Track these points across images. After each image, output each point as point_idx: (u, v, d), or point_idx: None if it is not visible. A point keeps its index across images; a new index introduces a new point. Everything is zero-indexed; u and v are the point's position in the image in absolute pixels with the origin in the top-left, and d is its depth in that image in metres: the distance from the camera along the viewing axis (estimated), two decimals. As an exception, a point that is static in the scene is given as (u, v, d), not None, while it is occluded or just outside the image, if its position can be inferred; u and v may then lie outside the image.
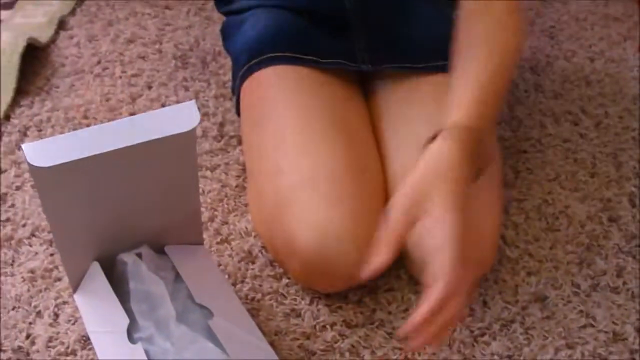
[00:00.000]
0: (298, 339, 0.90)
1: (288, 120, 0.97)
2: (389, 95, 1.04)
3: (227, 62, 1.32)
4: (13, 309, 0.93)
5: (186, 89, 1.27)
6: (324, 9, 1.04)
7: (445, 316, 0.71)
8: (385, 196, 0.96)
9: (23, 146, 0.75)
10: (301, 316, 0.93)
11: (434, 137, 0.82)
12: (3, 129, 1.18)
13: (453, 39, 0.92)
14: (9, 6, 1.46)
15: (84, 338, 0.89)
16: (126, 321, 0.82)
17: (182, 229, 0.90)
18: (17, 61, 1.27)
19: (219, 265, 0.99)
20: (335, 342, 0.90)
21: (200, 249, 0.92)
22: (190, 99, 1.25)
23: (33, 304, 0.93)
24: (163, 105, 1.23)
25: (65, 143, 0.76)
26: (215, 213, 1.05)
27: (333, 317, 0.93)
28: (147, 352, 0.81)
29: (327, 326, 0.92)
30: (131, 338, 0.82)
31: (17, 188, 1.08)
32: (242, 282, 0.97)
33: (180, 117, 0.80)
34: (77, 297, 0.90)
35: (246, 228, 1.03)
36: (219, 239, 1.02)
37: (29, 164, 0.74)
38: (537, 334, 0.92)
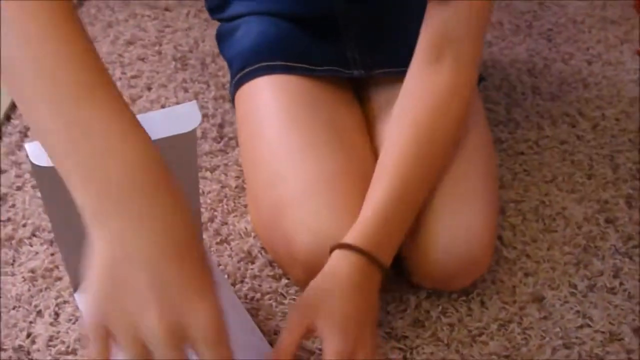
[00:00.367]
0: (297, 339, 0.91)
1: (283, 130, 0.97)
2: (383, 100, 1.04)
3: (226, 64, 1.33)
4: (14, 308, 0.93)
5: (186, 90, 1.28)
6: (314, 15, 1.05)
7: None
8: None
9: (26, 145, 0.75)
10: (300, 316, 0.94)
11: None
12: (3, 129, 1.18)
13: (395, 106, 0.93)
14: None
15: (85, 337, 0.90)
16: None
17: None
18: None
19: (219, 265, 0.99)
20: None
21: None
22: (190, 101, 1.25)
23: (34, 304, 0.94)
24: (163, 107, 1.24)
25: None
26: (215, 213, 1.06)
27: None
28: None
29: (326, 326, 0.93)
30: None
31: (18, 188, 1.08)
32: (242, 282, 0.97)
33: (182, 118, 0.80)
34: (78, 297, 0.91)
35: (246, 228, 1.04)
36: (218, 239, 1.02)
37: (31, 163, 0.74)
38: (534, 334, 0.93)
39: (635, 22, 1.51)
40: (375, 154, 1.00)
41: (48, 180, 0.76)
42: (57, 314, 0.93)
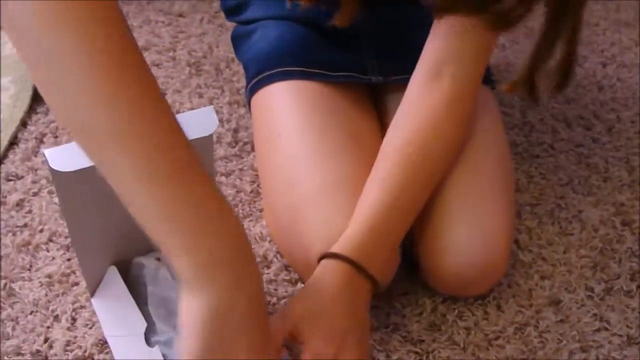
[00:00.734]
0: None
1: (299, 135, 0.97)
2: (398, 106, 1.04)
3: (241, 69, 1.33)
4: (31, 313, 0.94)
5: (200, 95, 1.28)
6: (332, 20, 1.05)
7: None
8: None
9: (45, 151, 0.76)
10: (316, 320, 0.94)
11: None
12: (20, 135, 1.19)
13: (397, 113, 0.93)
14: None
15: (101, 342, 0.90)
16: (144, 324, 0.83)
17: None
18: (33, 69, 1.28)
19: (234, 269, 0.99)
20: None
21: None
22: (205, 106, 1.26)
23: (51, 309, 0.94)
24: (177, 112, 1.24)
25: None
26: (230, 218, 1.06)
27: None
28: (164, 356, 0.81)
29: (342, 330, 0.93)
30: (149, 341, 0.83)
31: (34, 194, 1.09)
32: (258, 286, 0.97)
33: (199, 122, 0.80)
34: (95, 302, 0.91)
35: (261, 233, 1.04)
36: (234, 244, 1.02)
37: (50, 168, 0.75)
38: (551, 338, 0.92)
39: (649, 24, 1.51)
40: None
41: (66, 186, 0.77)
42: (74, 319, 0.93)
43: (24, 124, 1.21)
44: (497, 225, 0.91)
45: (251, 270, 0.66)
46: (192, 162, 0.62)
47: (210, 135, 0.80)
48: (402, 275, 0.96)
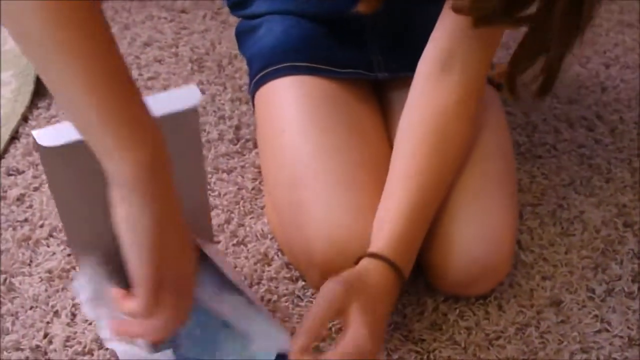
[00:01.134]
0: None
1: (304, 132, 0.96)
2: (403, 102, 1.04)
3: (243, 65, 1.33)
4: (31, 308, 0.93)
5: (202, 92, 1.28)
6: (338, 17, 1.04)
7: None
8: None
9: (33, 132, 0.76)
10: (317, 318, 0.93)
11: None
12: (21, 130, 1.19)
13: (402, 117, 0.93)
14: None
15: (101, 338, 0.90)
16: None
17: (190, 220, 0.89)
18: (35, 63, 1.27)
19: (235, 267, 0.99)
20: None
21: (212, 247, 0.92)
22: (207, 103, 1.25)
23: (50, 304, 0.94)
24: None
25: (73, 127, 0.76)
26: (232, 215, 1.06)
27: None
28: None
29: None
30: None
31: (35, 189, 1.09)
32: (259, 283, 0.97)
33: (183, 97, 0.81)
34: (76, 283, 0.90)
35: (262, 230, 1.04)
36: (235, 241, 1.02)
37: (38, 144, 0.75)
38: (552, 338, 0.92)
39: (653, 25, 1.51)
40: None
41: (54, 162, 0.77)
42: (73, 315, 0.93)
43: (25, 118, 1.21)
44: (502, 225, 0.91)
45: (165, 187, 0.67)
46: (124, 73, 0.64)
47: (196, 108, 0.80)
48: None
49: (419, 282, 0.97)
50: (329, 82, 1.01)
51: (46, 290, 0.95)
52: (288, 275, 0.98)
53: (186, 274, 0.71)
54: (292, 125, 0.97)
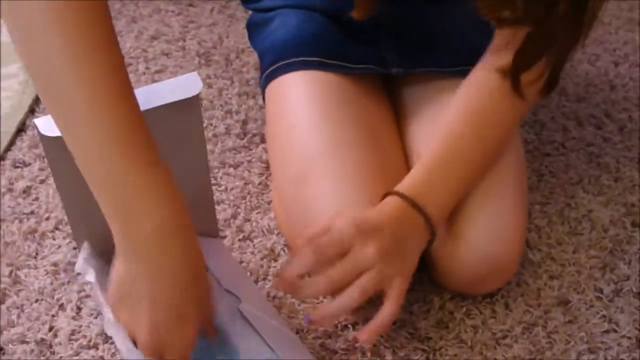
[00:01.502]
0: (320, 338, 0.90)
1: (315, 127, 0.96)
2: (415, 99, 1.03)
3: (251, 59, 1.33)
4: (36, 301, 0.93)
5: (209, 86, 1.28)
6: (347, 13, 1.04)
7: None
8: None
9: (34, 120, 0.76)
10: (323, 315, 0.93)
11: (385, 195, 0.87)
12: (28, 122, 1.19)
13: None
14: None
15: (106, 332, 0.90)
16: None
17: (194, 215, 0.88)
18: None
19: (241, 262, 0.99)
20: (357, 342, 0.90)
21: (217, 241, 0.92)
22: (214, 97, 1.25)
23: (56, 297, 0.94)
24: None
25: None
26: (238, 210, 1.06)
27: (355, 317, 0.93)
28: None
29: (349, 325, 0.92)
30: None
31: (41, 182, 1.08)
32: (265, 279, 0.97)
33: (184, 86, 0.81)
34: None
35: (269, 225, 1.03)
36: (241, 236, 1.02)
37: (40, 134, 0.74)
38: (559, 338, 0.92)
39: (663, 24, 1.50)
40: (405, 153, 0.99)
41: (56, 152, 0.77)
42: (79, 308, 0.93)
43: (32, 110, 1.21)
44: (513, 225, 0.91)
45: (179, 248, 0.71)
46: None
47: (197, 96, 0.80)
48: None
49: (425, 279, 0.97)
50: (340, 77, 1.01)
51: (52, 283, 0.95)
52: (294, 271, 0.98)
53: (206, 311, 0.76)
54: (302, 120, 0.97)
